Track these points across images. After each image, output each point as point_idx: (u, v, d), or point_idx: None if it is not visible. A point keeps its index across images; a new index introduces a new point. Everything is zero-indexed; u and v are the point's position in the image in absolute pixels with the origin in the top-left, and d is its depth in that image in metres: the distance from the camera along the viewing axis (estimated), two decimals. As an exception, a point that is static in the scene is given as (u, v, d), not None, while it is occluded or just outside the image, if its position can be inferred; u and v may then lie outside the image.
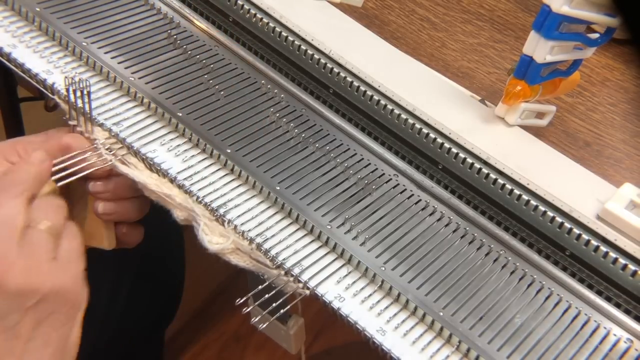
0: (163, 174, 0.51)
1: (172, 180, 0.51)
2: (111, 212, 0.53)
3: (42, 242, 0.43)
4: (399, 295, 0.48)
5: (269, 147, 0.55)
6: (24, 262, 0.41)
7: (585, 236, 0.50)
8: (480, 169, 0.53)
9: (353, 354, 1.14)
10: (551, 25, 0.50)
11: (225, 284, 1.22)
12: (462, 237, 0.52)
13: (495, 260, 0.51)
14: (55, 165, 0.49)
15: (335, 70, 0.58)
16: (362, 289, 0.48)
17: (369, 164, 0.56)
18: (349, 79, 0.58)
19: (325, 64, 0.58)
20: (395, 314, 0.47)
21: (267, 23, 0.60)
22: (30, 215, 0.44)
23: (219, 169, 0.53)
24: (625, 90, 0.67)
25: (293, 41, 0.59)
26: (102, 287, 0.61)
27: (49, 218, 0.45)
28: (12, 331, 0.40)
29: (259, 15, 0.61)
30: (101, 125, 0.53)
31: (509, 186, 0.52)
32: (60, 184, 0.49)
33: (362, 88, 0.57)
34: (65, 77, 0.53)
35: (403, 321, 0.47)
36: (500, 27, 0.71)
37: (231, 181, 0.53)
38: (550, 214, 0.51)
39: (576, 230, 0.50)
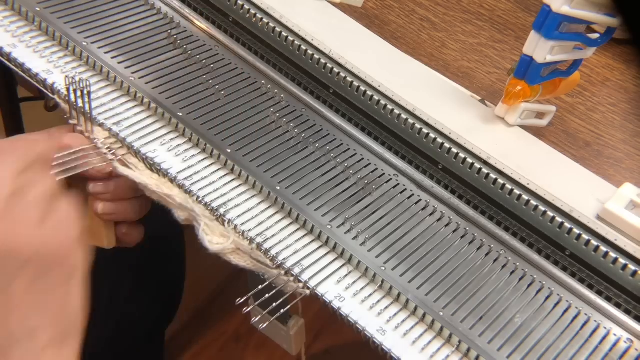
0: (163, 173, 0.51)
1: (172, 180, 0.51)
2: (111, 212, 0.53)
3: (28, 207, 0.44)
4: (399, 295, 0.48)
5: (269, 147, 0.55)
6: (5, 226, 0.41)
7: (585, 236, 0.50)
8: (480, 169, 0.53)
9: (353, 354, 1.14)
10: (551, 25, 0.50)
11: (225, 284, 1.22)
12: (462, 237, 0.52)
13: (495, 260, 0.51)
14: (56, 160, 0.49)
15: (335, 70, 0.58)
16: (362, 288, 0.48)
17: (369, 163, 0.56)
18: (349, 79, 0.58)
19: (325, 64, 0.58)
20: (396, 314, 0.47)
21: (267, 23, 0.60)
22: (20, 182, 0.44)
23: (219, 169, 0.53)
24: (626, 90, 0.67)
25: (293, 41, 0.59)
26: (102, 287, 0.61)
27: (42, 182, 0.45)
28: (5, 295, 0.40)
29: (259, 15, 0.61)
30: (101, 125, 0.53)
31: (509, 186, 0.52)
32: (59, 178, 0.49)
33: (362, 88, 0.57)
34: (66, 77, 0.53)
35: (403, 321, 0.47)
36: (500, 27, 0.71)
37: (231, 181, 0.53)
38: (550, 214, 0.51)
39: (576, 230, 0.50)
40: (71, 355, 0.42)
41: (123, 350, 0.78)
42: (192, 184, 0.51)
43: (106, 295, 0.66)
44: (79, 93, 0.51)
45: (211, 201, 0.50)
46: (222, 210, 0.50)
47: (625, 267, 0.49)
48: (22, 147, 0.47)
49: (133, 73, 0.57)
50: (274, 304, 0.47)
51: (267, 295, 0.48)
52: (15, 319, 0.40)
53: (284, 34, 0.60)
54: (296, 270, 0.48)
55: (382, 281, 0.48)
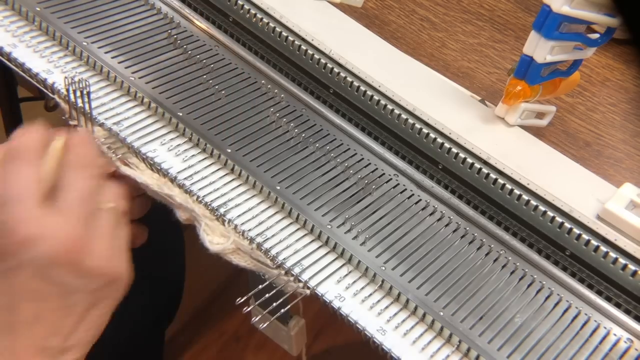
0: (163, 173, 0.51)
1: (173, 180, 0.51)
2: None
3: (115, 225, 0.42)
4: (399, 294, 0.48)
5: (269, 147, 0.55)
6: (104, 245, 0.40)
7: (585, 236, 0.50)
8: (480, 169, 0.53)
9: (353, 354, 1.14)
10: (551, 25, 0.50)
11: (225, 284, 1.22)
12: (462, 237, 0.52)
13: (495, 260, 0.51)
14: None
15: (335, 70, 0.58)
16: (362, 288, 0.48)
17: (369, 163, 0.56)
18: (349, 79, 0.58)
19: (325, 64, 0.58)
20: (396, 314, 0.47)
21: (267, 23, 0.61)
22: (100, 196, 0.42)
23: (219, 169, 0.53)
24: (626, 90, 0.67)
25: (293, 41, 0.59)
26: None
27: (114, 200, 0.43)
28: (69, 309, 0.38)
29: (259, 15, 0.61)
30: (101, 124, 0.53)
31: (509, 186, 0.52)
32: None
33: (362, 88, 0.57)
34: (65, 77, 0.53)
35: (403, 321, 0.47)
36: (500, 27, 0.71)
37: (231, 181, 0.53)
38: (550, 213, 0.51)
39: (576, 230, 0.50)
40: None
41: (123, 351, 0.78)
42: (192, 183, 0.51)
43: None
44: (78, 93, 0.51)
45: (211, 201, 0.50)
46: (222, 210, 0.50)
47: (625, 267, 0.49)
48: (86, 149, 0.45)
49: (133, 73, 0.57)
50: (274, 304, 0.48)
51: (267, 295, 0.48)
52: (66, 335, 0.39)
53: (284, 34, 0.60)
54: (296, 270, 0.48)
55: (382, 281, 0.48)
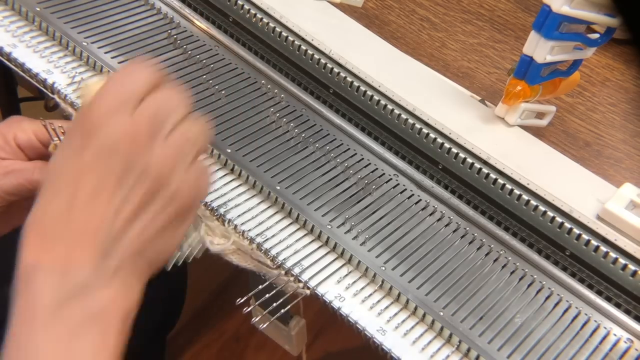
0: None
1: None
2: None
3: (187, 151, 0.42)
4: (399, 295, 0.48)
5: (269, 147, 0.55)
6: (168, 153, 0.41)
7: (585, 236, 0.50)
8: (480, 169, 0.53)
9: (353, 354, 1.14)
10: (551, 25, 0.50)
11: (225, 284, 1.22)
12: (462, 237, 0.52)
13: (495, 260, 0.51)
14: None
15: (335, 70, 0.58)
16: (362, 288, 0.48)
17: (369, 163, 0.56)
18: (349, 79, 0.58)
19: (325, 64, 0.58)
20: (396, 314, 0.47)
21: (267, 23, 0.60)
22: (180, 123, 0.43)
23: (219, 169, 0.53)
24: (625, 90, 0.67)
25: (293, 41, 0.59)
26: None
27: (186, 131, 0.43)
28: (123, 202, 0.39)
29: (259, 15, 0.61)
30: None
31: (509, 186, 0.52)
32: None
33: (362, 88, 0.57)
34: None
35: (403, 321, 0.47)
36: (500, 27, 0.71)
37: (231, 181, 0.53)
38: (550, 214, 0.51)
39: (576, 230, 0.50)
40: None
41: (124, 357, 0.78)
42: (192, 184, 0.51)
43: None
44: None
45: (211, 201, 0.50)
46: (222, 210, 0.50)
47: (625, 267, 0.49)
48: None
49: (133, 73, 0.57)
50: (274, 304, 0.48)
51: (267, 295, 0.48)
52: (125, 219, 0.39)
53: (284, 34, 0.60)
54: (296, 270, 0.48)
55: (382, 281, 0.48)
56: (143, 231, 0.40)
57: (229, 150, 0.54)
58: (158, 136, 0.40)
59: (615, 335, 0.49)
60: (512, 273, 0.51)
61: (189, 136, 0.42)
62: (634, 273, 0.49)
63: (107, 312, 0.39)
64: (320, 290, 0.48)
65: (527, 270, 0.51)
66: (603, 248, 0.49)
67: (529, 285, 0.50)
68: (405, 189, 0.55)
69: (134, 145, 0.39)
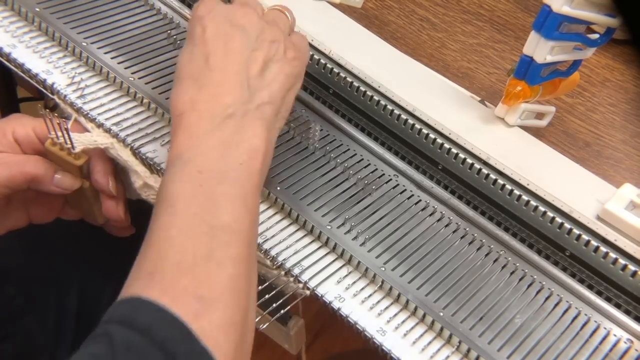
0: (162, 173, 0.51)
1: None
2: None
3: (284, 18, 0.52)
4: (399, 295, 0.48)
5: (269, 147, 0.55)
6: (269, 19, 0.50)
7: (585, 236, 0.50)
8: (480, 170, 0.53)
9: (353, 355, 1.14)
10: (551, 25, 0.50)
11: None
12: (462, 237, 0.52)
13: (495, 261, 0.51)
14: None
15: (335, 70, 0.58)
16: (362, 289, 0.48)
17: (369, 164, 0.56)
18: (349, 79, 0.58)
19: (325, 64, 0.58)
20: (396, 314, 0.47)
21: (267, 23, 0.60)
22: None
23: (218, 169, 0.53)
24: (625, 91, 0.67)
25: (293, 41, 0.59)
26: (103, 296, 0.61)
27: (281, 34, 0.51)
28: (251, 55, 0.47)
29: (258, 16, 0.61)
30: (101, 125, 0.53)
31: (509, 187, 0.52)
32: (78, 149, 0.51)
33: (362, 88, 0.57)
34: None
35: (403, 321, 0.47)
36: (500, 27, 0.71)
37: (231, 181, 0.53)
38: (550, 214, 0.51)
39: (576, 231, 0.50)
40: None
41: None
42: (192, 184, 0.51)
43: (105, 303, 0.66)
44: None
45: (211, 201, 0.50)
46: (222, 211, 0.50)
47: (625, 267, 0.49)
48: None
49: (133, 73, 0.57)
50: (274, 305, 0.47)
51: (267, 296, 0.48)
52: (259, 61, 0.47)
53: (283, 34, 0.60)
54: (296, 271, 0.48)
55: (382, 282, 0.48)
56: (271, 82, 0.47)
57: (229, 151, 0.54)
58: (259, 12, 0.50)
59: (615, 335, 0.49)
60: (512, 273, 0.51)
61: (281, 14, 0.52)
62: (634, 273, 0.49)
63: (252, 139, 0.44)
64: (320, 291, 0.48)
65: (527, 270, 0.51)
66: (603, 248, 0.49)
67: (528, 286, 0.50)
68: (405, 190, 0.55)
69: (246, 17, 0.48)
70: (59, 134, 0.50)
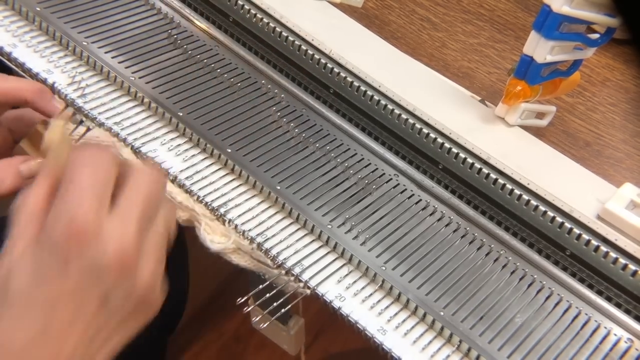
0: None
1: (173, 180, 0.51)
2: None
3: (162, 249, 0.40)
4: (399, 294, 0.48)
5: (269, 146, 0.55)
6: (151, 264, 0.38)
7: (585, 236, 0.50)
8: (480, 169, 0.53)
9: (353, 354, 1.14)
10: (551, 25, 0.50)
11: (225, 284, 1.22)
12: (462, 236, 0.52)
13: (495, 260, 0.51)
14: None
15: (335, 70, 0.58)
16: (363, 288, 0.48)
17: (369, 163, 0.56)
18: (349, 79, 0.58)
19: (326, 64, 0.58)
20: (396, 314, 0.47)
21: (267, 23, 0.60)
22: (157, 217, 0.40)
23: (219, 169, 0.53)
24: (626, 90, 0.67)
25: (293, 41, 0.59)
26: None
27: (167, 224, 0.40)
28: (105, 322, 0.37)
29: (259, 15, 0.61)
30: (101, 124, 0.53)
31: (509, 186, 0.52)
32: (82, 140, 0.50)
33: (362, 88, 0.57)
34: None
35: (404, 321, 0.47)
36: (500, 27, 0.71)
37: (231, 181, 0.53)
38: (550, 214, 0.51)
39: (576, 230, 0.50)
40: None
41: (123, 358, 0.77)
42: (192, 183, 0.51)
43: None
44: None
45: (211, 201, 0.50)
46: (222, 210, 0.50)
47: (625, 267, 0.49)
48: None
49: (133, 73, 0.57)
50: (274, 304, 0.48)
51: (267, 295, 0.48)
52: (103, 338, 0.38)
53: (284, 34, 0.60)
54: (296, 270, 0.48)
55: (383, 281, 0.48)
56: (114, 346, 0.38)
57: (229, 150, 0.54)
58: (145, 241, 0.38)
59: (615, 335, 0.49)
60: (512, 273, 0.51)
61: (164, 229, 0.39)
62: (634, 273, 0.49)
63: None
64: (321, 290, 0.48)
65: (527, 270, 0.51)
66: (603, 248, 0.50)
67: (529, 285, 0.50)
68: (406, 189, 0.55)
69: (124, 267, 0.37)
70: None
